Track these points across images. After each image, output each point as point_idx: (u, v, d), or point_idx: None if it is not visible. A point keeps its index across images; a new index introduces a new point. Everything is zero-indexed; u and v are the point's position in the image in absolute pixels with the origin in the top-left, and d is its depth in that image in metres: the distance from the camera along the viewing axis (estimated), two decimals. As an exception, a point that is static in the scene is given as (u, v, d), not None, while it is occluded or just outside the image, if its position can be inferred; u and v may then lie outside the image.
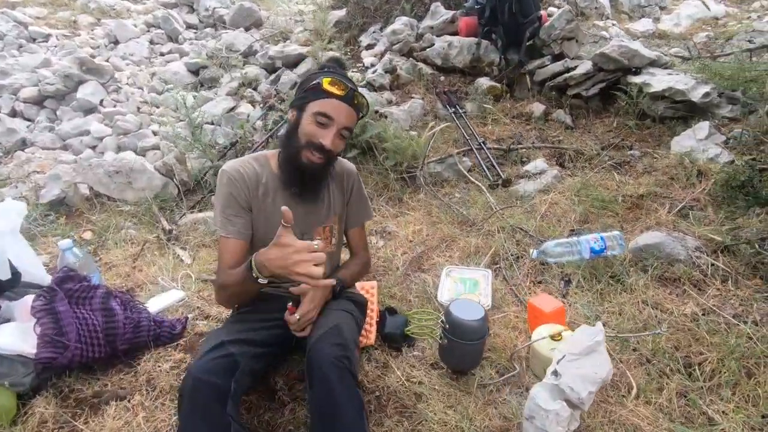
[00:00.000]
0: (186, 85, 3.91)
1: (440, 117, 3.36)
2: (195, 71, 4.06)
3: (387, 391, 1.38)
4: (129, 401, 1.35)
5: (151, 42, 4.56)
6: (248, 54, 4.17)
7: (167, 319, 1.64)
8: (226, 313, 1.75)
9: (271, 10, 5.34)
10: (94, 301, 1.45)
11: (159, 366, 1.49)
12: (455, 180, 2.85)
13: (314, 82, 1.25)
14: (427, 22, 3.98)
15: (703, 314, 1.67)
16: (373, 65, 3.77)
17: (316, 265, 1.05)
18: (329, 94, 1.23)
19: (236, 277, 1.20)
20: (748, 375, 1.45)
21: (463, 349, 1.33)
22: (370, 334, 1.57)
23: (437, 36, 3.84)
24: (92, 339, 1.39)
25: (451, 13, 3.89)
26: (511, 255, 2.05)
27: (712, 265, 1.84)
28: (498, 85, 3.50)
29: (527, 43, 3.49)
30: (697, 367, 1.49)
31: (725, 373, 1.45)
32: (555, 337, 1.39)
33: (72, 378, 1.41)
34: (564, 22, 3.38)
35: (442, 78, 3.66)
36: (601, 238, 1.92)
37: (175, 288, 1.94)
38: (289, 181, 1.31)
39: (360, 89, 1.28)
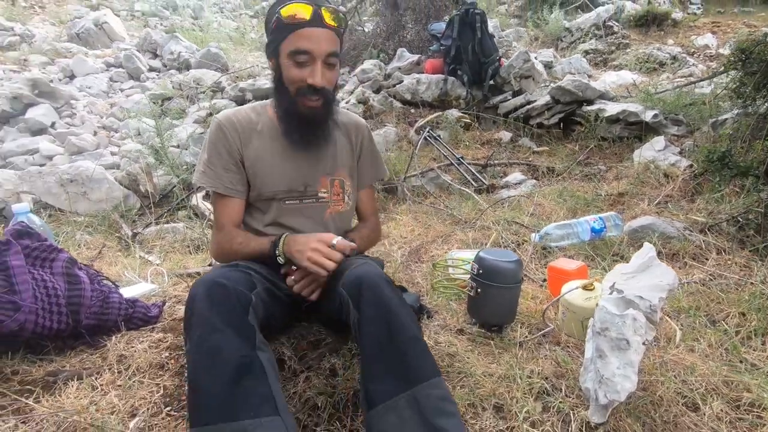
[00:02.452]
0: (148, 113, 3.76)
1: (414, 143, 3.43)
2: (159, 103, 3.93)
3: (416, 355, 1.20)
4: (96, 379, 1.06)
5: (111, 79, 4.43)
6: (216, 90, 4.15)
7: (141, 301, 1.37)
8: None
9: (234, 57, 5.47)
10: (56, 265, 1.19)
11: (132, 347, 1.21)
12: (437, 193, 2.84)
13: (273, 18, 1.06)
14: (394, 64, 4.23)
15: (711, 279, 1.68)
16: (344, 99, 3.87)
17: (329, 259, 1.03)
18: (294, 25, 1.03)
19: (252, 250, 1.13)
20: (771, 326, 1.43)
21: (498, 296, 1.21)
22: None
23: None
24: (51, 305, 1.11)
25: (416, 56, 4.17)
26: (512, 242, 2.00)
27: (704, 240, 1.90)
28: (466, 115, 3.69)
29: (489, 82, 3.77)
30: (723, 322, 1.45)
31: (753, 324, 1.42)
32: (588, 287, 1.31)
33: (17, 359, 1.11)
34: (521, 62, 3.72)
35: (413, 110, 3.81)
36: (600, 218, 1.94)
37: (144, 282, 1.66)
38: (291, 131, 1.17)
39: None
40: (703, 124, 2.94)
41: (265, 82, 3.96)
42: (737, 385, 1.14)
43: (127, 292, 1.52)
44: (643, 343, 0.90)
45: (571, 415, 0.98)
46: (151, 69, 4.89)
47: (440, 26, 4.13)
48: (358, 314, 0.90)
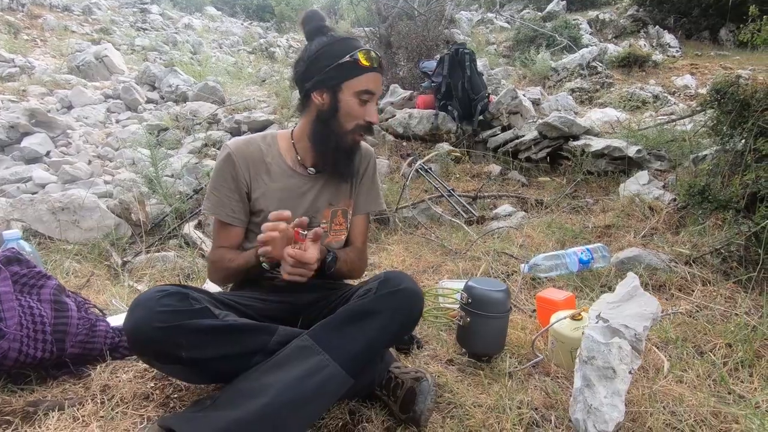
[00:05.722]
0: (144, 143, 3.80)
1: (406, 176, 3.49)
2: (155, 133, 3.99)
3: (405, 385, 1.19)
4: (77, 410, 1.04)
5: (108, 110, 4.50)
6: (212, 122, 4.22)
7: (128, 329, 1.35)
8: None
9: (231, 91, 5.60)
10: (44, 292, 1.18)
11: (117, 376, 1.19)
12: (428, 224, 2.87)
13: (347, 58, 1.12)
14: (387, 99, 4.36)
15: (697, 310, 1.70)
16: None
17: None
18: (367, 69, 1.13)
19: (240, 263, 1.16)
20: (757, 357, 1.44)
21: (487, 325, 1.22)
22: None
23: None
24: (36, 333, 1.10)
25: (408, 92, 4.31)
26: (502, 273, 2.02)
27: (689, 272, 1.93)
28: (457, 149, 3.78)
29: (479, 117, 3.90)
30: (710, 353, 1.46)
31: (739, 355, 1.43)
32: (576, 317, 1.33)
33: (-4, 389, 1.08)
34: (509, 99, 3.86)
35: (405, 143, 3.91)
36: (587, 249, 1.97)
37: (131, 311, 1.64)
38: (335, 167, 1.21)
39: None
40: (685, 159, 3.05)
41: (261, 114, 4.05)
42: (726, 416, 1.14)
43: (115, 320, 1.50)
44: (630, 372, 0.91)
45: (561, 446, 0.98)
46: (149, 101, 4.98)
47: (431, 64, 4.30)
48: (375, 290, 0.99)
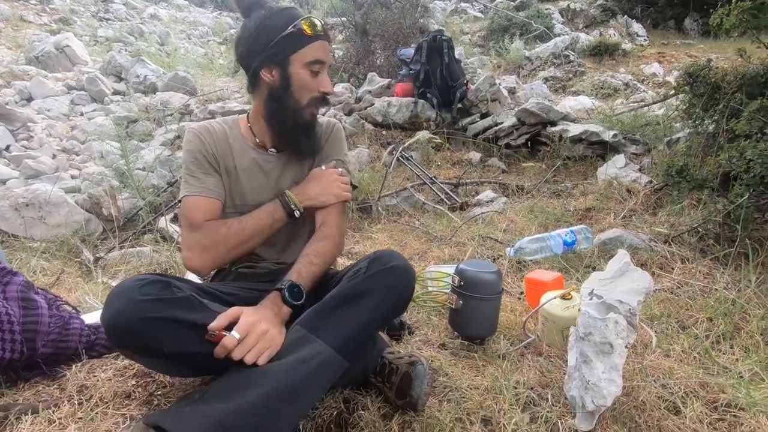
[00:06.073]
0: (113, 135, 3.63)
1: (387, 164, 3.46)
2: (124, 125, 3.81)
3: (399, 371, 1.17)
4: (53, 413, 0.97)
5: (72, 102, 4.28)
6: (184, 113, 4.07)
7: (105, 326, 1.28)
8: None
9: (202, 83, 5.41)
10: (10, 289, 1.10)
11: (95, 375, 1.13)
12: (411, 211, 2.85)
13: (290, 29, 1.06)
14: (365, 87, 4.30)
15: (678, 287, 1.74)
16: (316, 122, 3.88)
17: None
18: (313, 37, 1.07)
19: (255, 222, 1.11)
20: (737, 329, 1.49)
21: (480, 307, 1.21)
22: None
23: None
24: (4, 333, 1.02)
25: (386, 80, 4.26)
26: (488, 257, 2.02)
27: (668, 251, 1.98)
28: (437, 137, 3.76)
29: (458, 105, 3.89)
30: (693, 327, 1.50)
31: (721, 329, 1.47)
32: (566, 296, 1.33)
33: (-39, 394, 1.00)
34: (488, 86, 3.86)
35: (384, 132, 3.87)
36: (571, 231, 1.99)
37: (107, 308, 1.56)
38: (295, 146, 1.17)
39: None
40: (659, 143, 3.12)
41: (236, 104, 3.93)
42: (713, 387, 1.16)
43: (89, 318, 1.42)
44: (626, 347, 0.91)
45: (559, 424, 0.97)
46: (116, 92, 4.75)
47: (409, 51, 4.25)
48: (365, 270, 0.95)
